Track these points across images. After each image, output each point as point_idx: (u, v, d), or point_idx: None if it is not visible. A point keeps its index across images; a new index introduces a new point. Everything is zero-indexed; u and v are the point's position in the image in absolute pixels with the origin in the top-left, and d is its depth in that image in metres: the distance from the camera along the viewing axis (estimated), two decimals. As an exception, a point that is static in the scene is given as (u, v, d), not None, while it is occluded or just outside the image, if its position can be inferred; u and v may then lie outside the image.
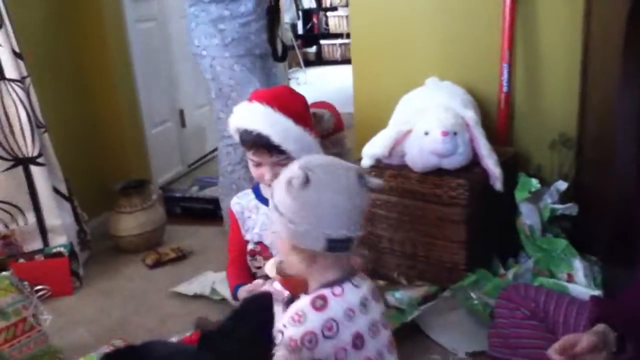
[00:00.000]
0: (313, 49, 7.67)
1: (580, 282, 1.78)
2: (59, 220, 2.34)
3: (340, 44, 7.51)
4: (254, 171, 1.55)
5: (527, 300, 1.53)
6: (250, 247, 1.68)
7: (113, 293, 2.29)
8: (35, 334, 1.79)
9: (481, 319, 1.78)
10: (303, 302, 1.04)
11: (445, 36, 2.28)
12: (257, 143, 1.46)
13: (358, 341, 1.05)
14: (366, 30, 2.43)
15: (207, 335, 0.62)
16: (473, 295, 1.77)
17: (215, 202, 2.94)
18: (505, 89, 2.16)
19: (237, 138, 1.55)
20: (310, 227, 1.01)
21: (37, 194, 2.30)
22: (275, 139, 1.43)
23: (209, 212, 2.93)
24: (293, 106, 1.50)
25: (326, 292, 1.05)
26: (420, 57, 2.34)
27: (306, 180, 1.01)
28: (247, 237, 1.67)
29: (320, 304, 1.03)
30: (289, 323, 1.02)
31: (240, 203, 1.68)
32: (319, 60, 7.67)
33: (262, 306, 0.65)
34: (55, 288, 2.15)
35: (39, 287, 1.84)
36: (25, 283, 1.90)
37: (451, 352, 1.72)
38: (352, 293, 1.06)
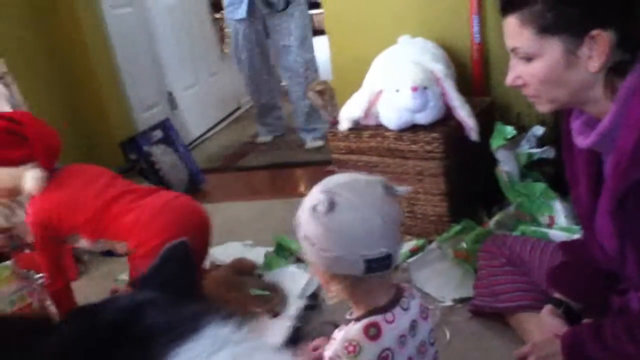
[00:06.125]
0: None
1: (561, 223, 1.82)
2: (57, 210, 2.41)
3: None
4: None
5: (503, 248, 1.60)
6: None
7: (118, 275, 2.37)
8: (41, 318, 1.87)
9: (467, 268, 1.83)
10: (355, 330, 0.98)
11: (415, -7, 2.29)
12: None
13: None
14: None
15: (139, 279, 0.70)
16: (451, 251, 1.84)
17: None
18: (477, 40, 2.18)
19: None
20: (344, 251, 0.95)
21: (33, 187, 2.37)
22: None
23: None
24: None
25: (379, 319, 0.99)
26: (393, 18, 2.34)
27: (331, 205, 0.94)
28: None
29: (373, 332, 0.98)
30: (344, 354, 0.96)
31: None
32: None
33: (182, 251, 0.73)
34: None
35: (40, 274, 1.92)
36: (32, 272, 1.99)
37: (439, 300, 1.78)
38: (403, 318, 1.01)
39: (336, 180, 1.01)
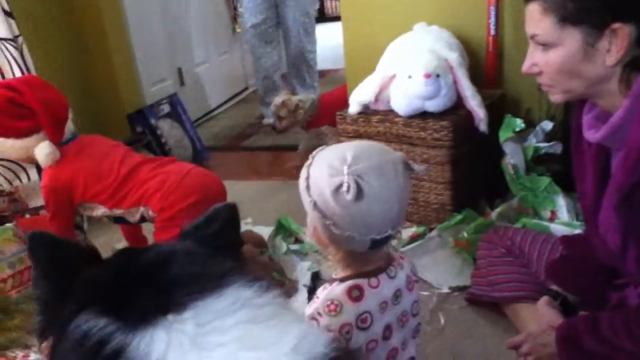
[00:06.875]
0: (315, 5, 7.58)
1: (563, 218, 1.82)
2: (61, 176, 2.41)
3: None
4: None
5: (504, 239, 1.61)
6: None
7: (115, 244, 2.38)
8: (41, 280, 1.88)
9: (466, 257, 1.84)
10: (338, 290, 1.00)
11: (433, -19, 2.27)
12: None
13: (387, 332, 1.04)
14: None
15: (186, 230, 0.70)
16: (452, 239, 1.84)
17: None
18: (492, 32, 2.17)
19: None
20: (356, 233, 0.96)
21: (37, 152, 2.37)
22: None
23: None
24: None
25: (363, 283, 1.00)
26: (409, 5, 2.32)
27: (359, 193, 0.92)
28: None
29: (356, 294, 0.99)
30: (325, 312, 0.98)
31: None
32: (322, 16, 7.58)
33: (229, 213, 0.72)
34: (61, 241, 2.24)
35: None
36: (31, 235, 1.99)
37: (436, 287, 1.79)
38: (387, 285, 1.03)
39: (364, 157, 0.96)
